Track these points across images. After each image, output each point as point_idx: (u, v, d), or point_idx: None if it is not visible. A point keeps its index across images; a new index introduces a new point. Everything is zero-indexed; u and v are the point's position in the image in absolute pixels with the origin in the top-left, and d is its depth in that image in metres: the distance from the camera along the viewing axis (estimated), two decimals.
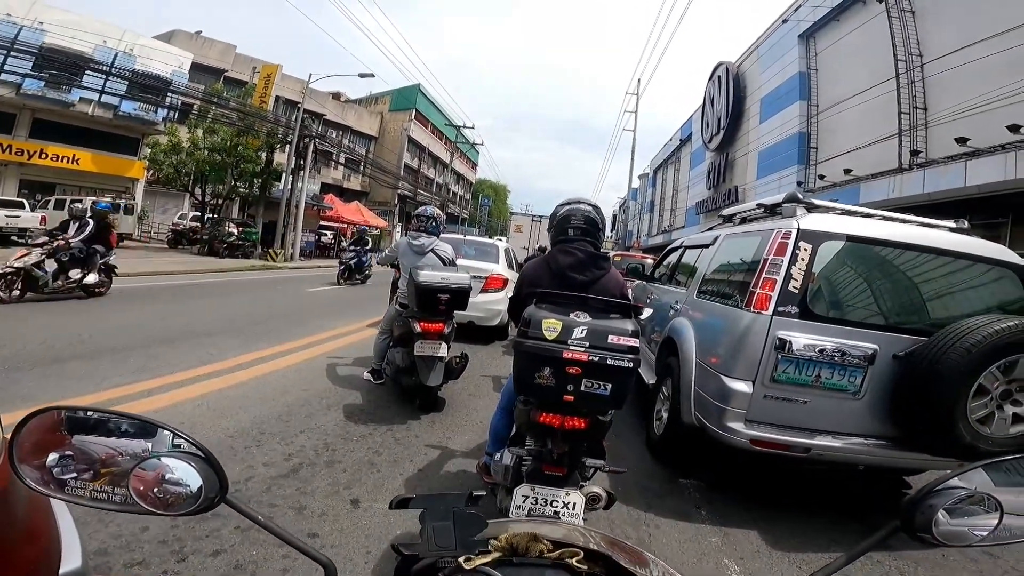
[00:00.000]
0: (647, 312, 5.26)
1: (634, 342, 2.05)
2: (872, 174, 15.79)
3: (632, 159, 36.21)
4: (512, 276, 7.97)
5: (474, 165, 66.64)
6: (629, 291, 2.95)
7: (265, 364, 5.44)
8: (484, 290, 7.48)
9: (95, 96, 22.07)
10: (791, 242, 3.13)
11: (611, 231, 62.99)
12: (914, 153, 14.41)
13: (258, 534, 2.42)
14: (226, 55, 33.19)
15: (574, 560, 0.66)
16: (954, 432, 2.81)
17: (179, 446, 0.66)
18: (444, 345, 4.42)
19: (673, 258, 5.85)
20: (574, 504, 2.15)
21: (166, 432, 0.66)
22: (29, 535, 1.15)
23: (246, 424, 3.80)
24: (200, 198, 24.18)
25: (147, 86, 23.06)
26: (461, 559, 0.64)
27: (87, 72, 21.38)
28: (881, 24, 15.77)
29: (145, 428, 0.66)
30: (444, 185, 50.16)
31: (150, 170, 24.52)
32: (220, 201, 25.38)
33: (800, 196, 3.58)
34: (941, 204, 12.55)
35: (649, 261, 10.06)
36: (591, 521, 2.70)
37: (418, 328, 4.35)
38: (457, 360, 4.70)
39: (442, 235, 5.17)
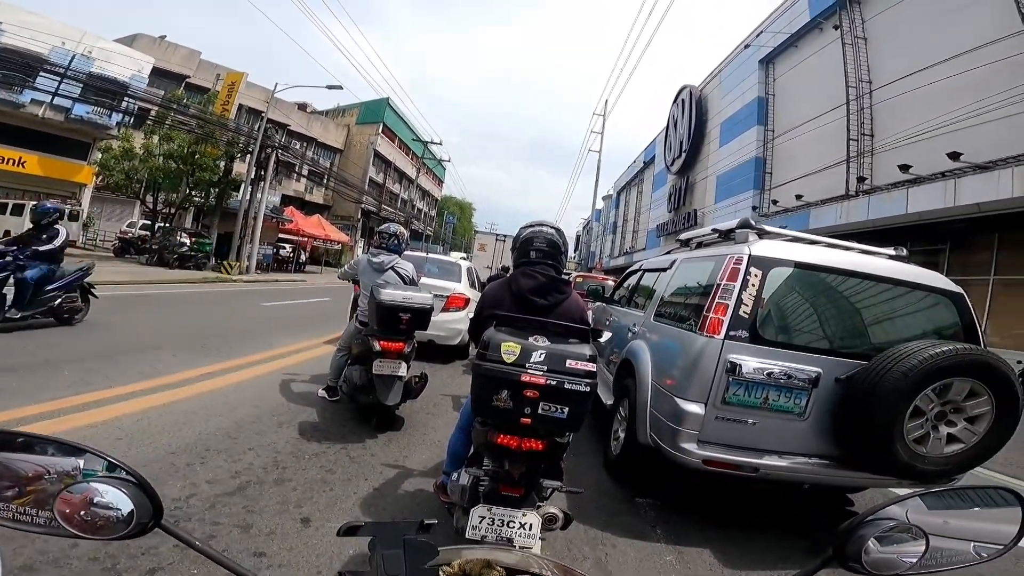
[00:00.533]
0: (607, 335, 5.34)
1: (591, 367, 2.08)
2: (821, 200, 16.38)
3: (597, 180, 36.75)
4: (474, 295, 7.96)
5: (440, 182, 66.42)
6: (589, 314, 3.00)
7: (214, 379, 5.25)
8: (445, 309, 7.44)
9: (47, 98, 21.37)
10: (743, 268, 3.23)
11: (574, 252, 63.86)
12: (860, 179, 14.98)
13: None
14: (190, 61, 32.46)
15: None
16: (892, 452, 2.94)
17: (110, 470, 0.64)
18: (404, 364, 4.38)
19: (632, 281, 5.97)
20: (531, 525, 2.15)
21: (96, 456, 0.65)
22: None
23: (190, 440, 3.65)
24: (152, 206, 23.38)
25: (103, 89, 22.36)
26: None
27: (41, 73, 20.72)
28: (835, 51, 16.51)
29: (75, 452, 0.65)
30: (409, 201, 49.83)
31: (100, 175, 23.60)
32: (173, 210, 24.55)
33: (752, 223, 3.72)
34: (886, 230, 13.13)
35: (610, 283, 10.22)
36: (548, 541, 2.70)
37: (378, 347, 4.29)
38: (416, 380, 4.64)
39: (405, 253, 5.14)
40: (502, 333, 2.15)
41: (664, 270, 4.73)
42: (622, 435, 4.02)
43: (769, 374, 3.08)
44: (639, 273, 5.83)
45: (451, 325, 7.54)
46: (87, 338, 6.42)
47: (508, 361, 2.05)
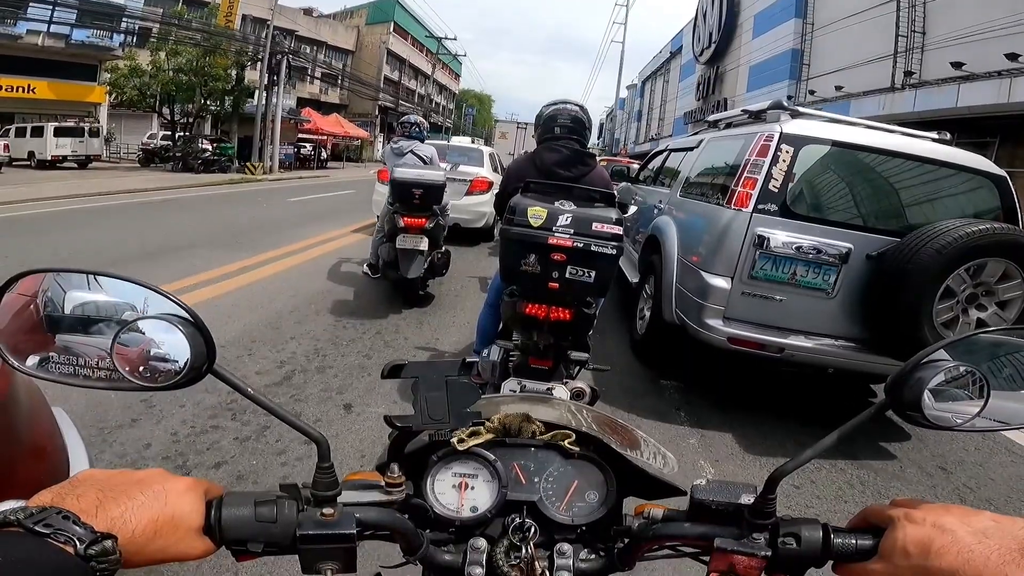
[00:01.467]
0: (632, 210, 5.28)
1: (617, 229, 2.05)
2: (863, 92, 15.61)
3: (620, 68, 35.25)
4: (497, 179, 7.96)
5: (457, 76, 64.66)
6: (615, 188, 2.95)
7: (251, 272, 5.44)
8: (469, 192, 7.50)
9: (43, 27, 21.36)
10: (773, 144, 3.10)
11: (598, 139, 62.37)
12: (907, 74, 14.33)
13: (256, 444, 2.52)
14: None
15: (566, 442, 0.67)
16: (919, 334, 2.83)
17: (163, 311, 0.57)
18: (425, 239, 4.58)
19: (658, 161, 5.82)
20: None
21: (151, 293, 0.58)
22: (35, 450, 1.14)
23: (236, 333, 3.84)
24: (169, 117, 23.35)
25: (98, 13, 22.21)
26: (455, 440, 0.64)
27: (31, 5, 20.75)
28: None
29: (129, 290, 0.57)
30: (427, 96, 48.70)
31: (112, 94, 23.52)
32: (191, 119, 24.47)
33: (784, 104, 3.53)
34: (930, 122, 12.50)
35: (635, 166, 9.96)
36: None
37: (401, 223, 4.51)
38: (439, 256, 4.86)
39: (427, 142, 5.39)
40: (529, 198, 2.12)
41: (691, 149, 4.57)
42: (647, 314, 4.04)
43: (798, 248, 3.00)
44: (665, 153, 5.66)
45: (475, 208, 7.64)
46: (128, 240, 6.65)
47: (535, 225, 2.03)
